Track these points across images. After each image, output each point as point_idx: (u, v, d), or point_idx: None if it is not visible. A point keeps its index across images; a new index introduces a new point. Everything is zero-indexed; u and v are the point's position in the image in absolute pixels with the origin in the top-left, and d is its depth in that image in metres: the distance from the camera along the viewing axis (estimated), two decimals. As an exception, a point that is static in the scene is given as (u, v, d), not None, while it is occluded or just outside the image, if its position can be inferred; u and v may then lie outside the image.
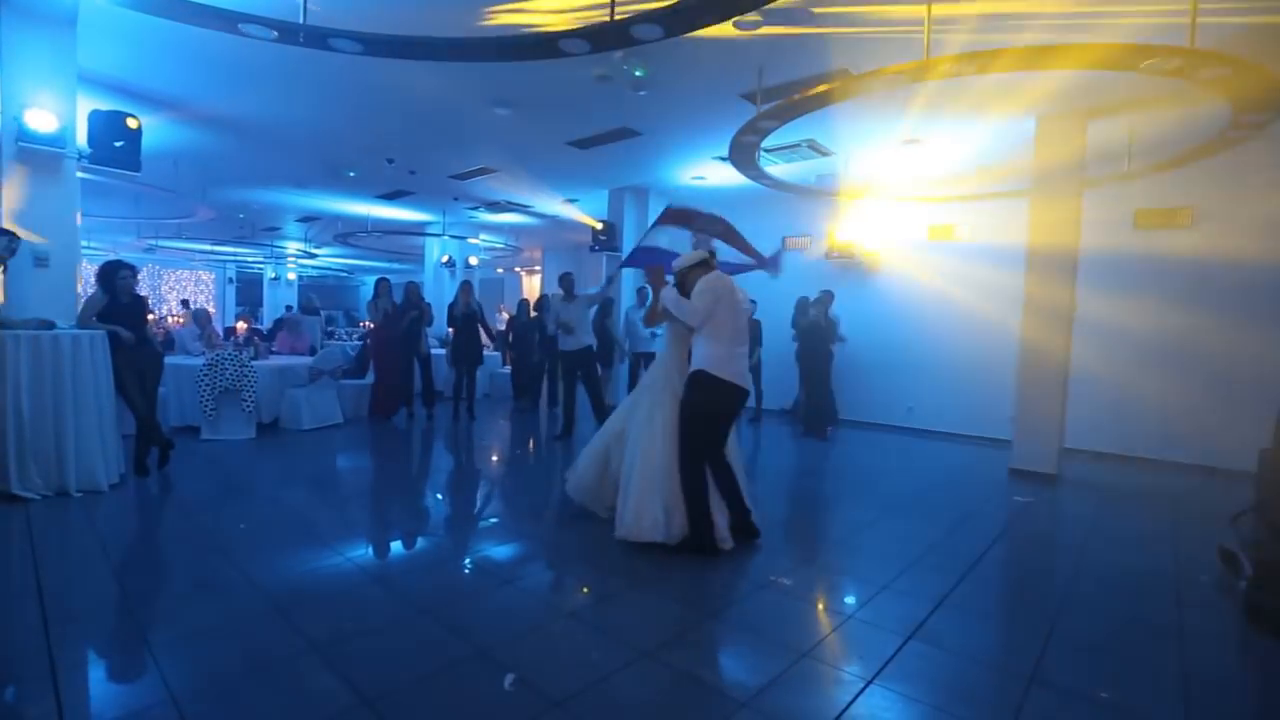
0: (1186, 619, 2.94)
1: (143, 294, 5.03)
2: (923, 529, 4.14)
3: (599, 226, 8.98)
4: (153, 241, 14.64)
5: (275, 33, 3.65)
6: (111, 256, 5.59)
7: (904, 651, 2.53)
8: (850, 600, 3.05)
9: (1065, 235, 5.57)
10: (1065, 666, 2.46)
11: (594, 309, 7.26)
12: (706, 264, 3.77)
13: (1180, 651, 2.63)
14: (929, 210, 8.00)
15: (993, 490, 5.28)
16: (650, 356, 8.41)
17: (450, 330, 7.99)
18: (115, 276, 4.64)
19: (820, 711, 2.11)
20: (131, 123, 4.94)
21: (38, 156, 4.37)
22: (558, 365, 8.93)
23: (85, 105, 4.86)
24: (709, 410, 3.55)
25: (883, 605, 2.96)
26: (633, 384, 8.67)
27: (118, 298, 4.65)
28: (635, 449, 3.69)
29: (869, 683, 2.28)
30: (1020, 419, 5.86)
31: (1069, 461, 6.05)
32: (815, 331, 7.49)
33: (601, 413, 7.20)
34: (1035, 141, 5.67)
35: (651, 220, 9.13)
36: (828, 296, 7.79)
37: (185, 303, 15.13)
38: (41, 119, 4.29)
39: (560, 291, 7.01)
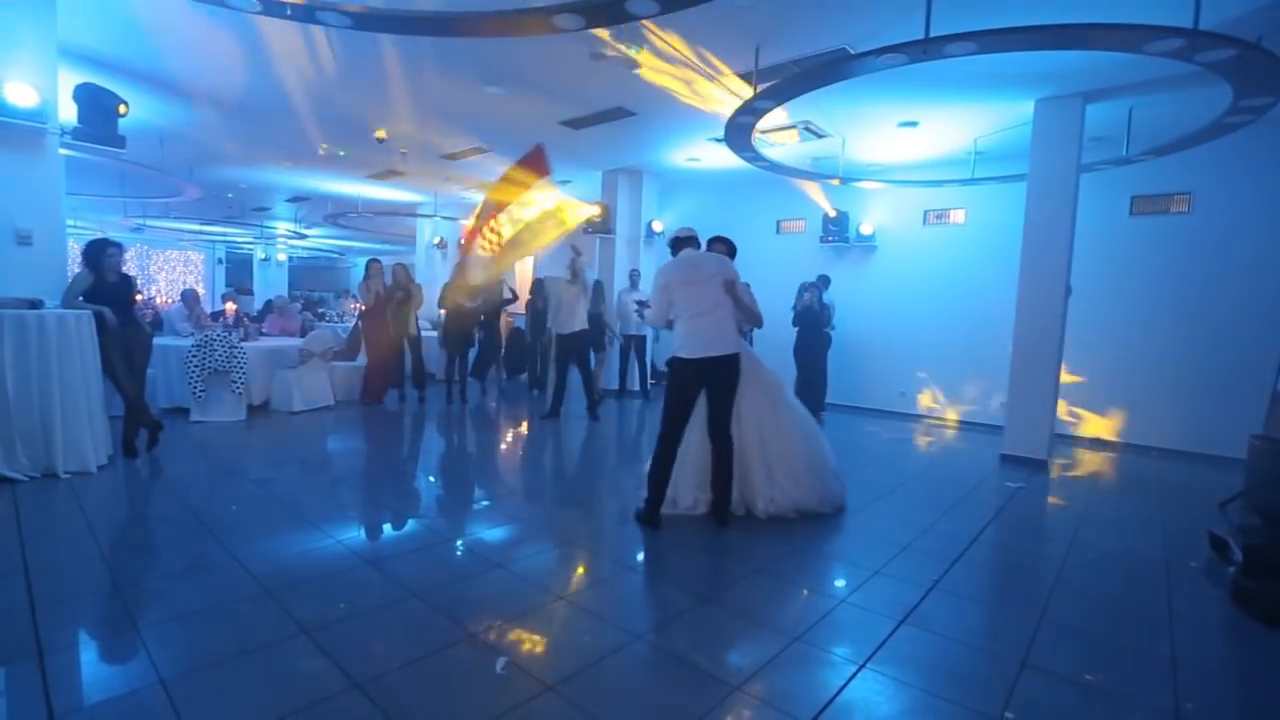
0: (1175, 604, 2.96)
1: (129, 273, 4.95)
2: (915, 514, 4.15)
3: (597, 211, 8.85)
4: (140, 221, 14.42)
5: (260, 5, 3.55)
6: (98, 235, 5.50)
7: (896, 636, 2.54)
8: (842, 585, 3.06)
9: (1061, 220, 5.54)
10: (1056, 651, 2.47)
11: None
12: (681, 241, 3.89)
13: (1169, 636, 2.65)
14: (925, 194, 7.96)
15: (984, 476, 5.30)
16: (639, 339, 8.40)
17: (442, 312, 7.91)
18: (102, 255, 4.56)
19: (813, 695, 2.11)
20: (121, 109, 4.83)
21: (18, 132, 4.24)
22: (545, 347, 8.97)
23: (68, 80, 4.74)
24: (683, 392, 3.68)
25: (875, 590, 2.97)
26: (624, 366, 8.66)
27: (104, 277, 4.57)
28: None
29: (861, 667, 2.29)
30: (1012, 405, 5.88)
31: (1060, 447, 6.08)
32: (808, 316, 7.48)
33: (593, 396, 7.23)
34: (1033, 125, 5.62)
35: (643, 204, 9.11)
36: (822, 282, 7.78)
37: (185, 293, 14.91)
38: (21, 93, 4.16)
39: (567, 274, 6.97)
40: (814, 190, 8.55)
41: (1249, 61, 3.61)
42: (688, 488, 3.89)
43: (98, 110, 4.76)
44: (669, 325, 3.79)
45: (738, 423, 3.82)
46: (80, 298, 4.41)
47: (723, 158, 7.42)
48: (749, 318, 3.90)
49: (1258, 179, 6.00)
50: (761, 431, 3.93)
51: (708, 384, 3.68)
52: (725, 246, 4.05)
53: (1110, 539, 3.85)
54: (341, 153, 8.46)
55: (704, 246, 4.03)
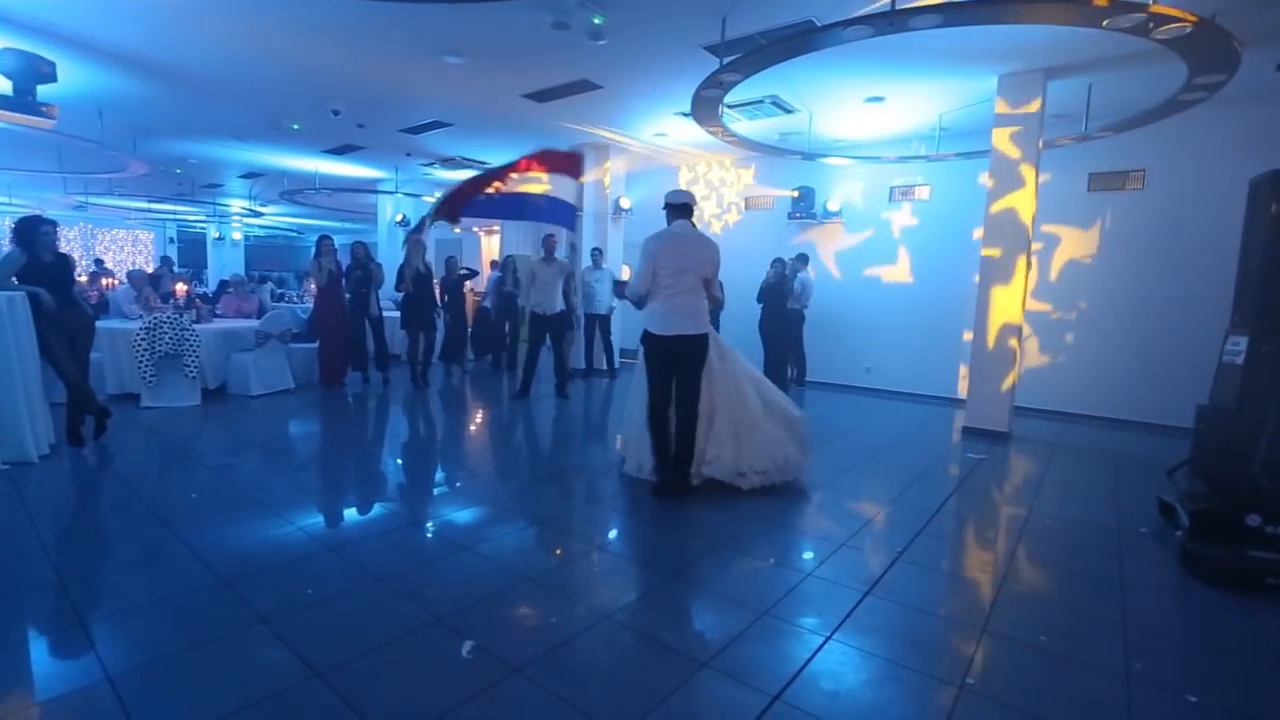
0: (1127, 568, 3.07)
1: (66, 252, 4.69)
2: (880, 487, 4.23)
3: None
4: (82, 198, 13.69)
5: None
6: (33, 213, 5.19)
7: (862, 607, 2.57)
8: (809, 557, 3.09)
9: (1022, 196, 5.62)
10: (1014, 617, 2.54)
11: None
12: (676, 209, 3.85)
13: (1121, 599, 2.74)
14: (891, 170, 7.99)
15: (947, 448, 5.42)
16: (604, 319, 8.36)
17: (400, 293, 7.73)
18: (36, 233, 4.31)
19: (780, 668, 2.13)
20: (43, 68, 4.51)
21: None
22: (517, 326, 8.86)
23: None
24: (660, 366, 3.79)
25: (841, 562, 3.01)
26: (590, 346, 8.61)
27: (39, 256, 4.32)
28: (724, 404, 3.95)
29: (828, 638, 2.31)
30: (974, 378, 6.00)
31: (1020, 419, 6.24)
32: (772, 293, 7.50)
33: (564, 376, 7.19)
34: (996, 100, 5.66)
35: (610, 180, 8.99)
36: (800, 260, 7.82)
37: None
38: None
39: (543, 253, 6.92)
40: (773, 189, 8.72)
41: (1203, 37, 3.67)
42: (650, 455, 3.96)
43: (25, 78, 4.46)
44: (641, 301, 3.81)
45: (711, 397, 3.93)
46: (13, 279, 4.17)
47: (690, 132, 7.34)
48: (712, 301, 3.98)
49: (1208, 156, 6.16)
50: (732, 404, 4.01)
51: (678, 360, 3.76)
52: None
53: (1066, 507, 3.97)
54: (295, 126, 8.12)
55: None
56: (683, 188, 4.47)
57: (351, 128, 8.14)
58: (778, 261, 7.61)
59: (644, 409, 3.88)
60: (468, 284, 9.21)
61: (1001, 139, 5.68)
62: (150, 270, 11.61)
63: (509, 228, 15.75)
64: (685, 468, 3.82)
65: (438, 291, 8.14)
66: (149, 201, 14.68)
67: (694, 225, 3.91)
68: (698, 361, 3.78)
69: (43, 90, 5.22)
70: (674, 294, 3.70)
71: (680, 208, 3.83)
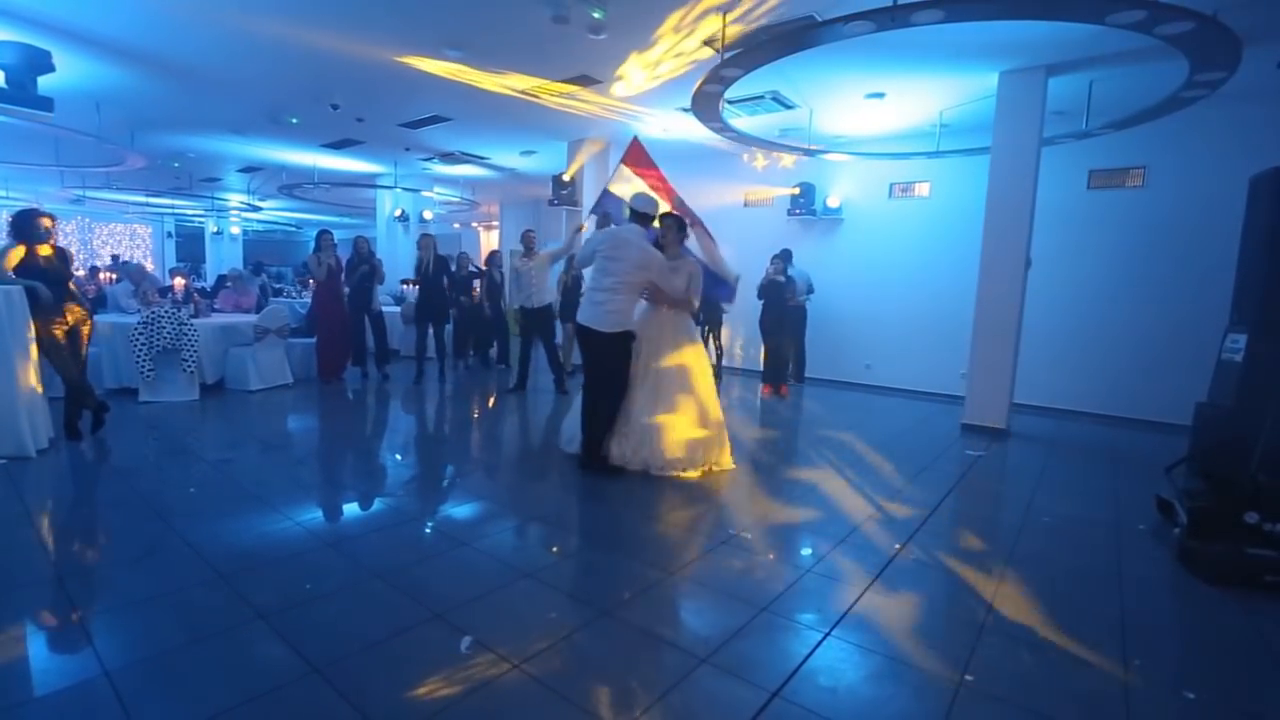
0: (1125, 565, 3.07)
1: (64, 246, 4.67)
2: (879, 483, 4.23)
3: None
4: (80, 192, 13.63)
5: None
6: (30, 206, 5.17)
7: (860, 603, 2.57)
8: (808, 554, 3.09)
9: (1023, 193, 5.61)
10: (1013, 614, 2.54)
11: (557, 265, 7.12)
12: (636, 215, 4.13)
13: (1119, 596, 2.75)
14: (891, 167, 7.97)
15: (946, 445, 5.42)
16: None
17: (408, 286, 7.71)
18: (33, 226, 4.29)
19: (779, 664, 2.13)
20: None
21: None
22: (503, 320, 8.87)
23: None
24: (581, 348, 4.17)
25: (840, 559, 3.01)
26: None
27: (36, 249, 4.30)
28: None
29: (826, 635, 2.32)
30: (973, 375, 5.99)
31: (1019, 416, 6.24)
32: (772, 289, 7.49)
33: (558, 368, 7.18)
34: (997, 97, 5.65)
35: (610, 176, 8.95)
36: (785, 256, 7.81)
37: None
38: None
39: (520, 248, 6.91)
40: (773, 186, 8.87)
41: (1205, 35, 3.65)
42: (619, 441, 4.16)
43: (23, 70, 4.43)
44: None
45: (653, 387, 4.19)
46: (11, 273, 4.15)
47: (690, 128, 7.31)
48: (683, 308, 4.19)
49: (1209, 154, 6.15)
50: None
51: (590, 351, 4.05)
52: (674, 221, 4.26)
53: (1065, 504, 3.97)
54: (294, 120, 8.09)
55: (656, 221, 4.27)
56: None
57: (350, 122, 8.10)
58: (777, 258, 7.60)
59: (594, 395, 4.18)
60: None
61: (1002, 136, 5.66)
62: (149, 265, 11.59)
63: (508, 224, 15.75)
64: (591, 445, 4.10)
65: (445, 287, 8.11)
66: (147, 195, 14.60)
67: (659, 232, 4.19)
68: (606, 359, 4.00)
69: (40, 82, 5.20)
70: (593, 288, 4.02)
71: (640, 216, 4.12)
